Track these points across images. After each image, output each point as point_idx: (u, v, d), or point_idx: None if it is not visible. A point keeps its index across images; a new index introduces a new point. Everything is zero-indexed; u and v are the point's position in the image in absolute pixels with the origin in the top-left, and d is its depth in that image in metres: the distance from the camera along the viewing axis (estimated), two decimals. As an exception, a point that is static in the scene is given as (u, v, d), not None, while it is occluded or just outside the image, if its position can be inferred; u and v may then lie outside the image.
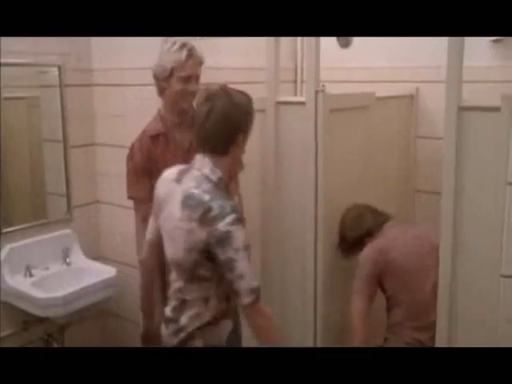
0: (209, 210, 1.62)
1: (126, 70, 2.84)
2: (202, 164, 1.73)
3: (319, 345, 2.46)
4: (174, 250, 1.75)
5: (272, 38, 2.42)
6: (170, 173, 1.81)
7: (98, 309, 2.93)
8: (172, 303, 1.85)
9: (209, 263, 1.68)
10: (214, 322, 1.78)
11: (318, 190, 2.36)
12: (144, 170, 2.20)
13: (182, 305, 1.80)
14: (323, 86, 2.35)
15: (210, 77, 2.82)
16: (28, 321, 2.67)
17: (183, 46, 2.16)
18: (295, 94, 3.40)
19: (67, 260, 2.82)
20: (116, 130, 2.96)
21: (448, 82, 2.15)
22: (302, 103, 2.37)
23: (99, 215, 3.12)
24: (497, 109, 2.04)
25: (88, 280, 2.66)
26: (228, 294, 1.74)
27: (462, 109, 2.11)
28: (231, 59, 2.98)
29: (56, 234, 2.86)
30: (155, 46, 2.68)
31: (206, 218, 1.62)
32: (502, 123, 2.01)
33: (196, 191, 1.68)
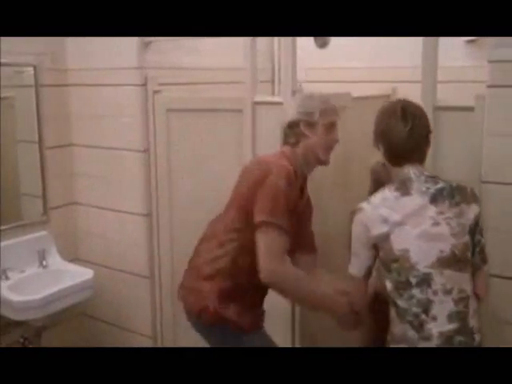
0: (468, 190, 1.82)
1: (103, 69, 2.82)
2: (420, 171, 1.83)
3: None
4: (441, 247, 1.73)
5: (249, 38, 2.42)
6: (383, 197, 1.81)
7: (75, 311, 2.90)
8: (451, 309, 1.70)
9: (471, 243, 1.78)
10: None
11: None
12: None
13: (467, 303, 1.73)
14: (300, 86, 2.36)
15: (187, 77, 2.84)
16: (9, 323, 2.64)
17: (320, 95, 2.10)
18: (272, 94, 3.41)
19: (43, 262, 2.79)
20: (93, 130, 2.94)
21: (423, 82, 2.17)
22: (280, 103, 2.38)
23: (76, 216, 3.10)
24: (471, 108, 2.07)
25: (65, 282, 2.63)
26: None
27: (437, 108, 2.14)
28: (209, 59, 2.98)
29: (32, 236, 2.83)
30: (131, 46, 2.69)
31: (471, 197, 1.81)
32: (475, 123, 2.04)
33: (442, 185, 1.79)
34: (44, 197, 2.92)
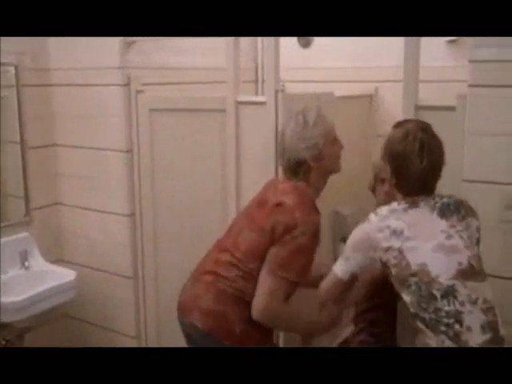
0: (466, 204, 1.81)
1: (85, 69, 2.80)
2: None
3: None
4: (459, 259, 1.69)
5: (231, 38, 2.42)
6: (391, 209, 1.78)
7: (58, 312, 2.89)
8: (482, 319, 1.66)
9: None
10: None
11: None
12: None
13: (494, 313, 1.69)
14: (283, 85, 2.36)
15: (171, 77, 2.83)
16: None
17: (313, 111, 2.07)
18: (256, 94, 3.41)
19: (26, 264, 2.77)
20: (76, 130, 2.92)
21: (405, 82, 2.19)
22: (263, 103, 2.38)
23: (59, 217, 3.08)
24: (452, 108, 2.09)
25: (47, 283, 2.61)
26: None
27: (419, 108, 2.15)
28: (192, 59, 2.98)
29: (14, 237, 2.80)
30: (114, 46, 2.68)
31: (470, 211, 1.81)
32: (457, 122, 2.06)
33: (447, 200, 1.78)
34: (26, 197, 2.90)
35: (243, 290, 1.96)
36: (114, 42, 2.66)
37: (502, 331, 1.68)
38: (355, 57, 3.19)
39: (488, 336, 1.64)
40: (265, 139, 2.36)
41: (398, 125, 1.87)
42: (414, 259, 1.69)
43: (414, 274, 1.69)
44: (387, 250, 1.72)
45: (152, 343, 2.89)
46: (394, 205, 1.79)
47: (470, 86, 2.01)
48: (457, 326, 1.64)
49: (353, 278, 1.87)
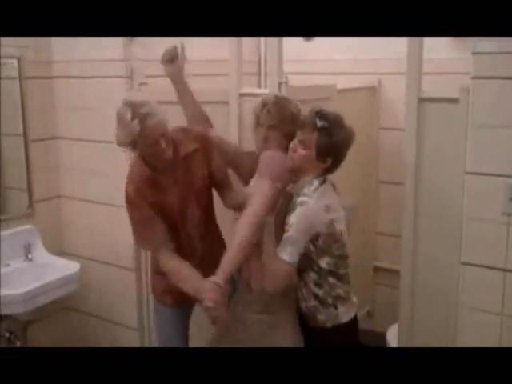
0: None
1: (88, 61, 2.80)
2: None
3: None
4: None
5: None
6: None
7: (61, 305, 2.89)
8: None
9: None
10: None
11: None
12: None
13: None
14: (286, 78, 2.36)
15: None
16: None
17: (134, 115, 1.97)
18: (259, 87, 3.41)
19: (29, 256, 2.77)
20: (79, 122, 2.92)
21: (408, 74, 2.19)
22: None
23: (62, 210, 3.08)
24: (455, 100, 2.09)
25: (50, 276, 2.62)
26: None
27: (422, 100, 2.15)
28: (195, 51, 2.96)
29: (17, 229, 2.81)
30: (116, 39, 2.67)
31: None
32: (460, 114, 2.06)
33: None
34: (29, 190, 2.90)
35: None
36: (115, 34, 2.66)
37: None
38: (358, 49, 3.19)
39: None
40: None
41: None
42: None
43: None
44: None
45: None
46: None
47: (473, 78, 2.01)
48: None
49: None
